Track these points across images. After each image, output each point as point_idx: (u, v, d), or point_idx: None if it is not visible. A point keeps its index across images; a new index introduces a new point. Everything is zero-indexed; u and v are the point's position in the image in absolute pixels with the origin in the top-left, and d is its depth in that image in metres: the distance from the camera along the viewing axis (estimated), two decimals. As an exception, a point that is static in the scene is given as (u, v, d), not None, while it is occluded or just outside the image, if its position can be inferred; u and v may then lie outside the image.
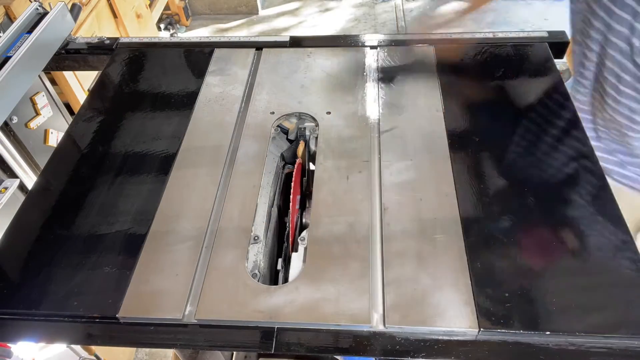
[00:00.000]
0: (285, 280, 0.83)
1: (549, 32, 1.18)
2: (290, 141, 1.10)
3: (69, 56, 1.29)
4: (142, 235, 0.83)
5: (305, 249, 0.81)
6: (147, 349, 1.88)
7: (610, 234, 0.77)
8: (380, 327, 0.70)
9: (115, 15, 2.42)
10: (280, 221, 0.99)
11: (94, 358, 1.44)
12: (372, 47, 1.19)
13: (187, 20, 3.56)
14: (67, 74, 1.98)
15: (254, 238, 0.85)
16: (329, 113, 1.03)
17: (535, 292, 0.71)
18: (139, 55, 1.25)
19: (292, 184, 0.95)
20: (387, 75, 1.10)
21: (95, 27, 2.21)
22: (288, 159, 1.10)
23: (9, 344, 1.20)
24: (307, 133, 1.05)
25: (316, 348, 0.69)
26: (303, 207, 1.00)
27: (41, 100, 1.38)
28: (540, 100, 1.01)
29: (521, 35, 1.19)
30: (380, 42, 1.20)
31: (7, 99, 1.10)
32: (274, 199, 0.97)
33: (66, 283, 0.77)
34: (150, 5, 2.93)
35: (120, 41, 1.28)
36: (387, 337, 0.69)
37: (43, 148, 1.41)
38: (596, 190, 0.84)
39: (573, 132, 0.93)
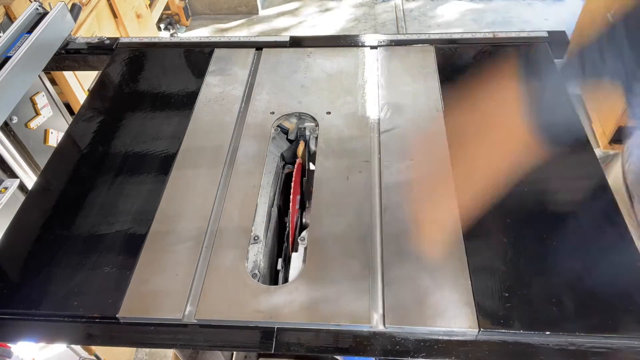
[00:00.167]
0: (285, 280, 0.83)
1: (549, 32, 1.18)
2: (290, 141, 1.10)
3: (69, 56, 1.29)
4: (142, 235, 0.83)
5: (305, 249, 0.81)
6: (147, 349, 1.88)
7: (610, 233, 0.77)
8: (380, 327, 0.70)
9: (115, 15, 2.42)
10: (280, 221, 0.99)
11: (94, 358, 1.43)
12: (372, 47, 1.19)
13: (187, 20, 3.56)
14: (67, 74, 1.98)
15: (254, 238, 0.85)
16: (329, 113, 1.03)
17: (535, 292, 0.71)
18: (139, 55, 1.25)
19: (292, 184, 0.95)
20: (387, 75, 1.10)
21: (95, 27, 2.20)
22: (288, 159, 1.10)
23: (9, 344, 1.20)
24: (307, 133, 1.05)
25: (316, 348, 0.69)
26: (303, 207, 1.00)
27: (41, 100, 1.38)
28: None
29: (521, 35, 1.19)
30: (380, 42, 1.20)
31: (7, 99, 1.10)
32: (274, 199, 0.97)
33: (66, 283, 0.77)
34: (150, 5, 2.93)
35: (120, 41, 1.28)
36: (387, 337, 0.69)
37: (43, 148, 1.41)
38: (595, 186, 0.84)
39: (572, 129, 0.93)
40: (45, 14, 1.27)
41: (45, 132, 1.42)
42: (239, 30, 3.50)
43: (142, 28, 2.71)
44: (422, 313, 0.70)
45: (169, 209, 0.87)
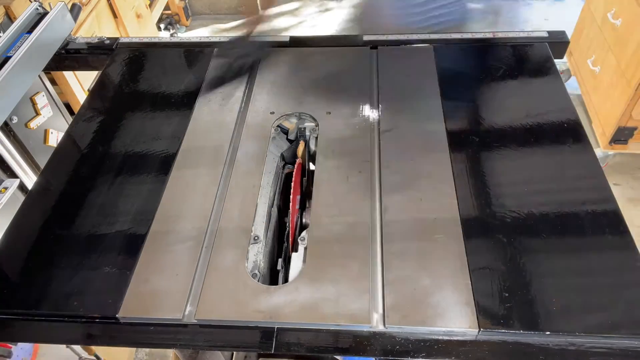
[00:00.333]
0: (285, 280, 0.83)
1: (549, 32, 1.18)
2: (290, 141, 1.10)
3: (69, 56, 1.29)
4: (142, 235, 0.83)
5: (305, 249, 0.81)
6: (147, 349, 1.88)
7: (610, 233, 0.77)
8: (380, 327, 0.70)
9: (115, 15, 2.42)
10: (280, 221, 0.99)
11: (94, 358, 1.43)
12: (372, 47, 1.19)
13: (187, 20, 3.55)
14: (67, 74, 1.98)
15: (254, 238, 0.85)
16: (329, 113, 1.03)
17: (535, 292, 0.71)
18: (139, 55, 1.24)
19: (292, 184, 0.95)
20: (386, 75, 1.10)
21: (95, 27, 2.20)
22: (288, 159, 1.10)
23: (9, 344, 1.20)
24: (307, 133, 1.05)
25: (316, 348, 0.69)
26: (303, 207, 1.00)
27: (41, 100, 1.38)
28: (540, 99, 1.01)
29: (521, 35, 1.19)
30: (380, 42, 1.20)
31: (7, 99, 1.10)
32: (274, 199, 0.97)
33: (66, 283, 0.77)
34: (150, 5, 2.93)
35: (120, 41, 1.28)
36: (387, 337, 0.69)
37: (43, 148, 1.41)
38: (595, 186, 0.84)
39: (572, 131, 0.93)
40: (45, 14, 1.27)
41: (45, 132, 1.42)
42: (239, 30, 3.50)
43: (142, 28, 2.71)
44: (422, 313, 0.69)
45: (169, 209, 0.87)
